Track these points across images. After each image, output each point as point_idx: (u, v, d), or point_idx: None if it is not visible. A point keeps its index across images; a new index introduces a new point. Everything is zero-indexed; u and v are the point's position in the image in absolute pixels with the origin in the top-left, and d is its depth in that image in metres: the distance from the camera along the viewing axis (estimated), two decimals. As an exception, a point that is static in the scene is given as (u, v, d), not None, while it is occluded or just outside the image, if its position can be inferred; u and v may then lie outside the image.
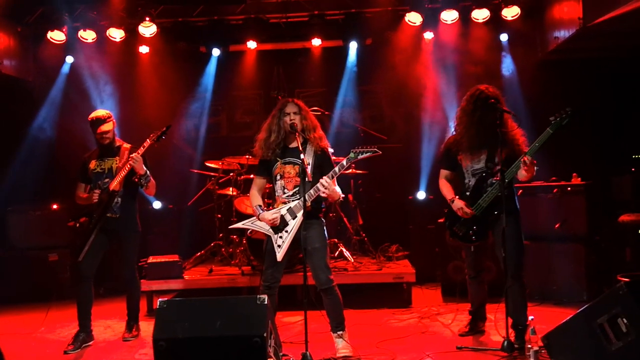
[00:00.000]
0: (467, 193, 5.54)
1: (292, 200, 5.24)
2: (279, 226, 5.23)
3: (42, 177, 8.98)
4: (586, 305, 4.43)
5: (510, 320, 5.29)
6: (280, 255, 5.17)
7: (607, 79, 8.74)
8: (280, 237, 5.21)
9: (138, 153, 5.93)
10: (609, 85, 8.73)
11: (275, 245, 5.21)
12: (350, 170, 8.23)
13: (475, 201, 5.47)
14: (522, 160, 5.12)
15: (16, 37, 8.92)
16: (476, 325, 6.01)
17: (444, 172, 5.81)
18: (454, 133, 5.69)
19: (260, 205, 5.36)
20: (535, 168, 5.21)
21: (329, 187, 5.06)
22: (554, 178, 7.45)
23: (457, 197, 5.57)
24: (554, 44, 8.10)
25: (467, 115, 5.49)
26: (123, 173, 5.96)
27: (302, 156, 5.03)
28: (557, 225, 7.14)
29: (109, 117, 6.13)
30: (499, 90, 5.52)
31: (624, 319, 4.03)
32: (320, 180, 5.07)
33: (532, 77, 8.80)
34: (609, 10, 6.66)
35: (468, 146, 5.51)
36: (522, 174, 5.21)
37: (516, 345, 5.20)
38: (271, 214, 5.23)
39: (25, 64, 9.18)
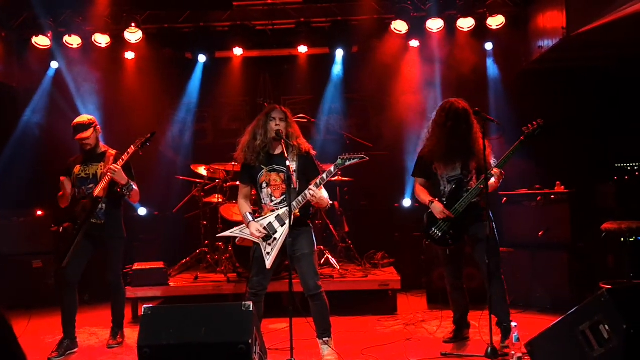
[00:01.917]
0: (444, 199, 5.72)
1: (281, 208, 5.25)
2: (268, 234, 5.25)
3: (26, 183, 8.90)
4: (569, 312, 4.47)
5: (494, 320, 5.46)
6: (269, 262, 5.18)
7: (590, 88, 8.82)
8: (269, 244, 5.22)
9: (123, 159, 5.92)
10: (592, 94, 8.81)
11: (265, 253, 5.21)
12: (336, 178, 8.25)
13: (452, 206, 5.66)
14: (491, 172, 5.42)
15: (0, 41, 8.85)
16: (460, 333, 6.07)
17: (418, 180, 6.00)
18: (425, 144, 5.91)
19: (250, 213, 5.35)
20: (500, 181, 5.51)
21: (316, 194, 5.08)
22: (537, 186, 7.52)
23: (436, 199, 5.75)
24: (538, 53, 8.18)
25: (439, 127, 5.73)
26: (106, 180, 5.93)
27: (287, 163, 5.04)
28: (540, 233, 7.20)
29: (91, 124, 6.10)
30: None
31: (606, 326, 4.07)
32: (307, 189, 5.09)
33: (516, 86, 8.88)
34: (592, 21, 6.75)
35: (442, 156, 5.72)
36: (490, 182, 5.47)
37: (503, 344, 5.31)
38: (256, 227, 5.22)
39: (9, 68, 9.09)
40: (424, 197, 5.83)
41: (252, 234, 5.22)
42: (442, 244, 5.80)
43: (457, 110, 5.64)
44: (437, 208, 5.68)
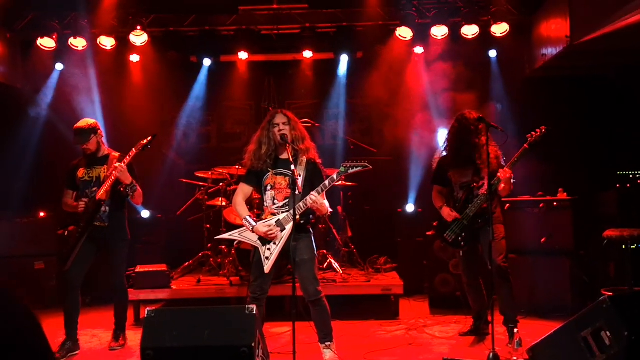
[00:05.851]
0: (457, 204, 6.07)
1: (282, 212, 5.26)
2: (267, 238, 5.25)
3: (29, 184, 8.91)
4: (571, 319, 4.48)
5: (501, 319, 5.92)
6: (267, 267, 5.17)
7: (593, 96, 8.85)
8: (269, 249, 5.21)
9: (124, 162, 5.93)
10: (595, 102, 8.84)
11: (264, 257, 5.21)
12: (340, 183, 8.25)
13: (463, 211, 5.99)
14: (498, 175, 5.73)
15: (5, 43, 8.84)
16: (479, 328, 6.30)
17: (436, 188, 6.34)
18: (444, 154, 6.29)
19: (250, 217, 5.35)
20: (513, 181, 5.83)
21: (318, 201, 5.10)
22: (540, 193, 7.53)
23: (444, 204, 6.13)
24: (542, 61, 8.21)
25: (451, 137, 6.18)
26: (110, 182, 5.95)
27: (292, 167, 5.06)
28: (543, 240, 7.21)
29: (91, 129, 6.09)
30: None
31: (608, 332, 4.08)
32: (309, 195, 5.10)
33: (520, 93, 8.90)
34: (595, 29, 6.77)
35: (454, 164, 6.11)
36: (501, 187, 5.78)
37: (509, 345, 5.48)
38: (265, 226, 5.22)
39: (14, 70, 9.08)
40: (437, 202, 6.25)
41: (265, 234, 5.17)
42: (455, 246, 6.16)
43: (467, 121, 5.98)
44: (445, 211, 6.07)
